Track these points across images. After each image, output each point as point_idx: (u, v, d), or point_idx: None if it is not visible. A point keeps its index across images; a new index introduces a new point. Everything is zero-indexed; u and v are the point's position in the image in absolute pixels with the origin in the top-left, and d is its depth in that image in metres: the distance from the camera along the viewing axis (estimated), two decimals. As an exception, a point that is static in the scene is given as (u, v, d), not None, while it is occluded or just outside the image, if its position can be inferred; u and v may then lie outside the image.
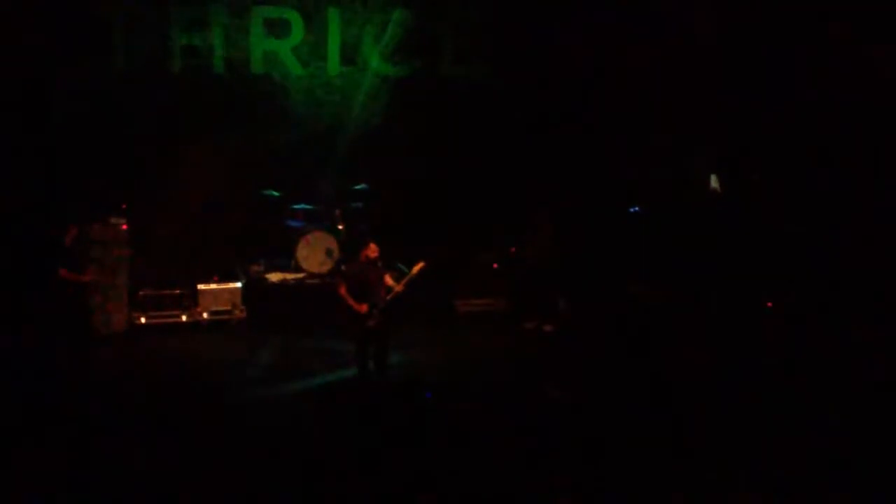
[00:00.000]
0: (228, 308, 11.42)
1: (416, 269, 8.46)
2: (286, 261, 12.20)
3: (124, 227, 11.07)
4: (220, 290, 11.44)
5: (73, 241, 9.67)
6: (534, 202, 11.97)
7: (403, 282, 8.53)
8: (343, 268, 8.60)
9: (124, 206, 11.24)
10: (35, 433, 7.02)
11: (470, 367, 9.67)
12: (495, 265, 12.23)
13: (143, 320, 11.08)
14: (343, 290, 8.50)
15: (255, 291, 11.72)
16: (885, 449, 6.64)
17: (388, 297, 8.49)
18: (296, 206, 12.52)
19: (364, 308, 8.38)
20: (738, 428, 7.17)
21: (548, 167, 12.51)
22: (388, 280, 8.63)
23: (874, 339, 9.00)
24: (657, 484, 6.12)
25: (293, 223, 12.48)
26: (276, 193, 12.46)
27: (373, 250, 8.59)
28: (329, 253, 12.01)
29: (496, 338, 10.98)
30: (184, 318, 11.18)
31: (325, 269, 12.00)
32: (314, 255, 12.03)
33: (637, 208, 12.36)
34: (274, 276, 12.06)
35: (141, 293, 11.22)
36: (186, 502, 5.94)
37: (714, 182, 11.96)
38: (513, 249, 12.06)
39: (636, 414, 7.53)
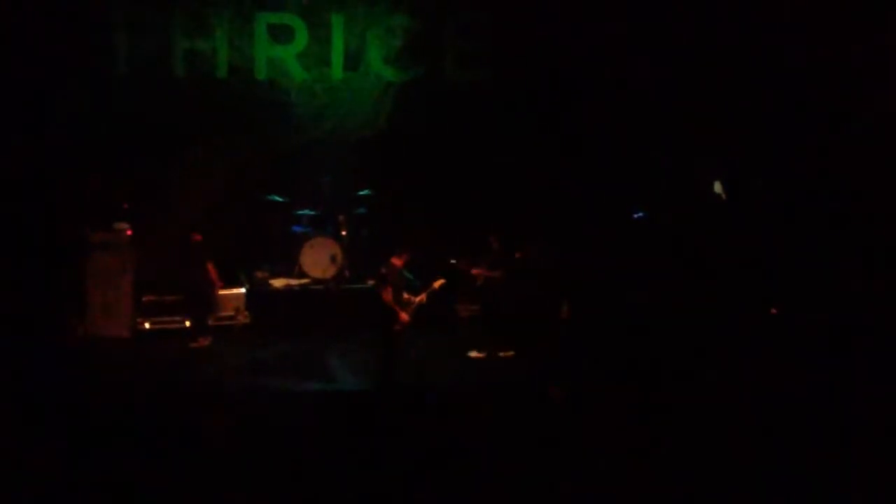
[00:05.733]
0: (232, 313, 11.42)
1: (436, 284, 8.91)
2: (290, 266, 12.20)
3: (128, 232, 11.09)
4: (224, 296, 11.43)
5: (198, 243, 10.55)
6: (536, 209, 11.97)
7: (425, 293, 8.89)
8: (384, 271, 8.75)
9: (126, 206, 11.25)
10: (37, 435, 7.02)
11: (472, 368, 9.74)
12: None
13: (147, 325, 11.11)
14: (389, 296, 8.64)
15: (259, 297, 11.72)
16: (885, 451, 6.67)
17: (412, 309, 8.78)
18: (300, 212, 12.52)
19: (405, 317, 8.61)
20: (738, 430, 7.20)
21: (551, 173, 12.50)
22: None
23: (875, 342, 9.04)
24: (656, 484, 6.15)
25: (297, 228, 12.48)
26: (280, 198, 12.45)
27: (405, 260, 8.90)
28: (333, 258, 12.01)
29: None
30: (188, 323, 11.17)
31: (329, 274, 12.01)
32: (318, 260, 12.02)
33: (641, 214, 12.36)
34: (278, 282, 12.06)
35: (145, 298, 11.23)
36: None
37: (718, 188, 11.98)
38: (518, 254, 12.03)
39: (636, 416, 7.54)
